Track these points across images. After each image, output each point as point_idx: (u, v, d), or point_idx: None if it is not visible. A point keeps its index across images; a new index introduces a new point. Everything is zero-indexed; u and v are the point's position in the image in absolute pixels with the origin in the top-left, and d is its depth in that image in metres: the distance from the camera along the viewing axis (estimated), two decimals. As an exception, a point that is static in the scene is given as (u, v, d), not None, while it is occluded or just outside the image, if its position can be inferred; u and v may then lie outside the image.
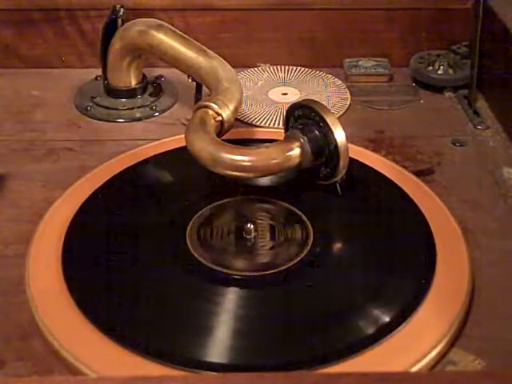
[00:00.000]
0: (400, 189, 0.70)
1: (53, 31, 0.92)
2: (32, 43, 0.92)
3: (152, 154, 0.75)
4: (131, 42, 0.82)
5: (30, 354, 0.56)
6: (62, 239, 0.64)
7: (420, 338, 0.56)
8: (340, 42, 0.93)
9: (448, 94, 0.89)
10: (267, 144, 0.67)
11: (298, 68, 0.94)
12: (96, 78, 0.90)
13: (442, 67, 0.89)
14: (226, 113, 0.70)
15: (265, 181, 0.71)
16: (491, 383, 0.45)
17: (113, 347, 0.54)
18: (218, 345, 0.55)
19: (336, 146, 0.66)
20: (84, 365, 0.53)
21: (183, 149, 0.68)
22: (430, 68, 0.89)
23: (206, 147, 0.65)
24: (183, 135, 0.68)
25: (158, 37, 0.80)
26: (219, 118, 0.69)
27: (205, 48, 0.78)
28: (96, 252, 0.64)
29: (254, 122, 0.83)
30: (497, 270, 0.63)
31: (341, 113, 0.85)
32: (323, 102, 0.69)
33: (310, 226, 0.66)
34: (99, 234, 0.66)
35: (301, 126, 0.67)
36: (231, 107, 0.70)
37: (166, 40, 0.79)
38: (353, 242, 0.65)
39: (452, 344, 0.56)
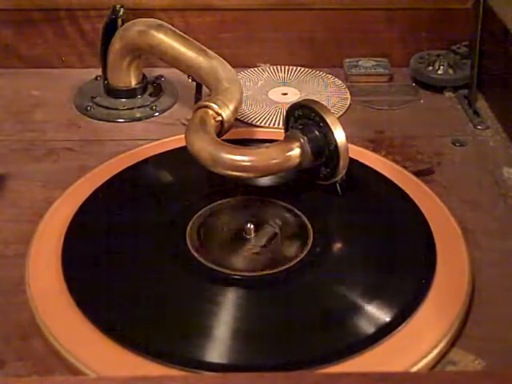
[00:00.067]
0: (400, 189, 0.70)
1: (53, 31, 0.92)
2: (32, 43, 0.92)
3: (152, 153, 0.75)
4: (131, 42, 0.82)
5: (30, 353, 0.56)
6: (62, 239, 0.64)
7: (420, 338, 0.56)
8: (340, 42, 0.93)
9: (448, 93, 0.89)
10: (267, 144, 0.67)
11: (298, 68, 0.94)
12: (96, 78, 0.90)
13: (442, 67, 0.89)
14: (226, 113, 0.70)
15: (265, 181, 0.71)
16: (491, 383, 0.45)
17: (113, 347, 0.54)
18: (218, 345, 0.55)
19: (336, 146, 0.66)
20: (84, 365, 0.53)
21: (183, 149, 0.68)
22: (430, 68, 0.89)
23: (206, 147, 0.65)
24: (183, 135, 0.68)
25: (157, 37, 0.80)
26: (219, 118, 0.69)
27: (205, 48, 0.78)
28: (96, 252, 0.64)
29: (254, 122, 0.83)
30: (497, 270, 0.63)
31: (341, 113, 0.85)
32: (323, 102, 0.69)
33: (309, 226, 0.66)
34: (99, 234, 0.66)
35: (301, 126, 0.67)
36: (231, 107, 0.70)
37: (166, 40, 0.79)
38: (353, 242, 0.65)
39: (452, 344, 0.56)
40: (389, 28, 0.93)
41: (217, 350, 0.55)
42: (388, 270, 0.62)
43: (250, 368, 0.53)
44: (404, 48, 0.93)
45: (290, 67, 0.94)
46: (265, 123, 0.83)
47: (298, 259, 0.63)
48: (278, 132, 0.75)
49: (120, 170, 0.73)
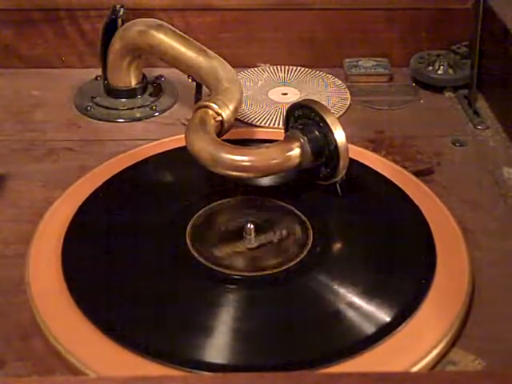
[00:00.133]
0: (400, 189, 0.70)
1: (53, 31, 0.92)
2: (32, 43, 0.92)
3: (152, 153, 0.75)
4: (131, 42, 0.82)
5: (30, 353, 0.56)
6: (62, 239, 0.64)
7: (420, 338, 0.56)
8: (340, 42, 0.93)
9: (448, 93, 0.89)
10: (267, 144, 0.67)
11: (298, 68, 0.94)
12: (96, 78, 0.90)
13: (442, 67, 0.89)
14: (226, 113, 0.70)
15: (265, 181, 0.71)
16: (491, 383, 0.45)
17: (113, 347, 0.54)
18: (218, 345, 0.55)
19: (336, 146, 0.66)
20: (84, 365, 0.53)
21: (183, 149, 0.68)
22: (430, 68, 0.89)
23: (206, 147, 0.65)
24: (183, 135, 0.68)
25: (158, 37, 0.80)
26: (219, 118, 0.69)
27: (205, 48, 0.78)
28: (96, 252, 0.64)
29: (254, 122, 0.83)
30: (497, 270, 0.63)
31: (341, 113, 0.85)
32: (323, 102, 0.69)
33: (309, 226, 0.66)
34: (99, 234, 0.66)
35: (301, 126, 0.67)
36: (231, 107, 0.70)
37: (166, 40, 0.79)
38: (353, 242, 0.65)
39: (452, 344, 0.56)
40: (389, 28, 0.93)
41: (217, 350, 0.55)
42: (388, 270, 0.62)
43: (250, 368, 0.53)
44: (404, 48, 0.93)
45: (290, 67, 0.94)
46: (265, 123, 0.83)
47: (298, 259, 0.63)
48: (278, 132, 0.75)
49: (120, 169, 0.73)
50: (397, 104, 0.87)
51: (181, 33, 0.80)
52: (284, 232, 0.66)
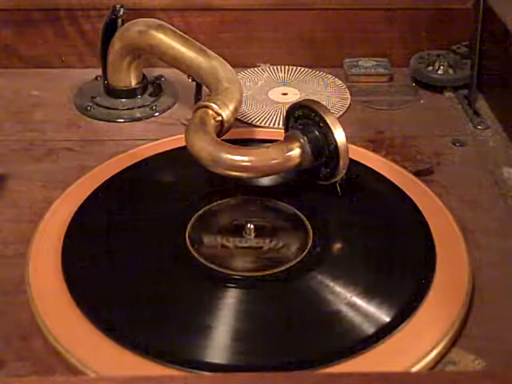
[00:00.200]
0: (400, 189, 0.70)
1: (53, 31, 0.92)
2: (32, 43, 0.92)
3: (152, 153, 0.75)
4: (131, 42, 0.82)
5: (30, 353, 0.56)
6: (62, 239, 0.64)
7: (420, 338, 0.56)
8: (340, 42, 0.93)
9: (448, 93, 0.89)
10: (267, 144, 0.67)
11: (298, 68, 0.94)
12: (96, 78, 0.90)
13: (441, 67, 0.89)
14: (226, 113, 0.70)
15: (265, 181, 0.71)
16: (491, 383, 0.45)
17: (113, 347, 0.54)
18: (218, 345, 0.55)
19: (336, 146, 0.66)
20: (84, 365, 0.53)
21: (183, 149, 0.68)
22: (430, 68, 0.89)
23: (205, 147, 0.65)
24: (183, 135, 0.68)
25: (158, 37, 0.80)
26: (219, 118, 0.69)
27: (205, 48, 0.78)
28: (96, 252, 0.64)
29: (254, 122, 0.83)
30: (497, 270, 0.63)
31: (341, 113, 0.85)
32: (323, 102, 0.69)
33: (309, 226, 0.66)
34: (99, 234, 0.66)
35: (301, 127, 0.67)
36: (231, 107, 0.70)
37: (165, 40, 0.79)
38: (353, 242, 0.65)
39: (452, 344, 0.56)
40: (389, 28, 0.93)
41: (217, 350, 0.55)
42: (388, 270, 0.62)
43: (250, 368, 0.53)
44: (404, 48, 0.93)
45: (290, 67, 0.94)
46: (265, 123, 0.83)
47: (298, 259, 0.63)
48: (278, 132, 0.75)
49: (120, 169, 0.73)
50: (397, 104, 0.87)
51: (181, 33, 0.80)
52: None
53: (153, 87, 0.88)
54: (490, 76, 0.86)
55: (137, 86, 0.86)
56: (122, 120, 0.84)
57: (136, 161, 0.74)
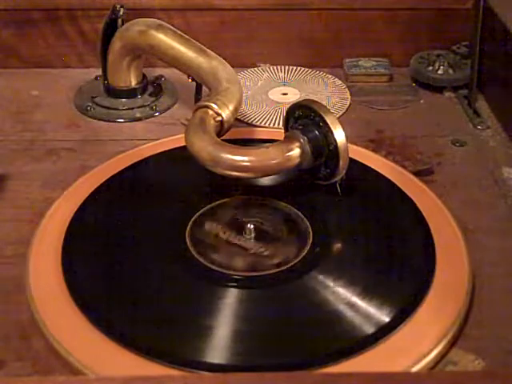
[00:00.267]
0: (400, 189, 0.70)
1: (53, 31, 0.92)
2: (32, 43, 0.92)
3: (152, 153, 0.75)
4: (131, 42, 0.82)
5: (30, 354, 0.56)
6: (62, 239, 0.64)
7: (420, 338, 0.56)
8: (340, 42, 0.93)
9: (448, 93, 0.89)
10: (267, 144, 0.67)
11: (298, 68, 0.94)
12: (96, 78, 0.90)
13: (441, 67, 0.89)
14: (226, 113, 0.70)
15: (265, 181, 0.71)
16: (491, 383, 0.45)
17: (113, 347, 0.54)
18: (218, 345, 0.55)
19: (336, 146, 0.66)
20: (84, 365, 0.53)
21: (183, 148, 0.68)
22: (430, 68, 0.89)
23: (205, 147, 0.65)
24: (183, 135, 0.68)
25: (158, 37, 0.80)
26: (219, 118, 0.69)
27: (205, 48, 0.78)
28: (96, 252, 0.64)
29: (254, 122, 0.83)
30: (497, 270, 0.63)
31: (341, 113, 0.85)
32: (323, 102, 0.69)
33: (309, 226, 0.66)
34: (99, 234, 0.66)
35: (301, 127, 0.67)
36: (231, 107, 0.70)
37: (165, 40, 0.79)
38: (352, 242, 0.65)
39: (452, 344, 0.56)
40: (389, 28, 0.93)
41: (217, 350, 0.55)
42: (388, 270, 0.62)
43: (250, 368, 0.53)
44: (404, 48, 0.93)
45: (290, 67, 0.94)
46: (265, 123, 0.83)
47: (298, 259, 0.63)
48: (278, 132, 0.75)
49: (120, 169, 0.73)
50: (397, 104, 0.87)
51: (181, 33, 0.80)
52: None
53: (153, 87, 0.88)
54: (490, 76, 0.86)
55: (137, 86, 0.86)
56: (122, 120, 0.84)
57: (136, 161, 0.74)
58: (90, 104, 0.86)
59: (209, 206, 0.68)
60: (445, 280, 0.60)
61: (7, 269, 0.63)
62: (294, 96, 0.88)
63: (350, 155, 0.67)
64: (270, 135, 0.77)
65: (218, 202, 0.69)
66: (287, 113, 0.70)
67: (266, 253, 0.64)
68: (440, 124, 0.83)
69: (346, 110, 0.86)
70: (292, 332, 0.57)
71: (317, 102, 0.68)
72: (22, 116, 0.84)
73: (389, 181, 0.71)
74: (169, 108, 0.86)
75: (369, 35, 0.93)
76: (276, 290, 0.61)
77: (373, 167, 0.73)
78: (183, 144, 0.68)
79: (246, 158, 0.64)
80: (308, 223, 0.66)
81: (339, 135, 0.66)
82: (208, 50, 0.78)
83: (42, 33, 0.92)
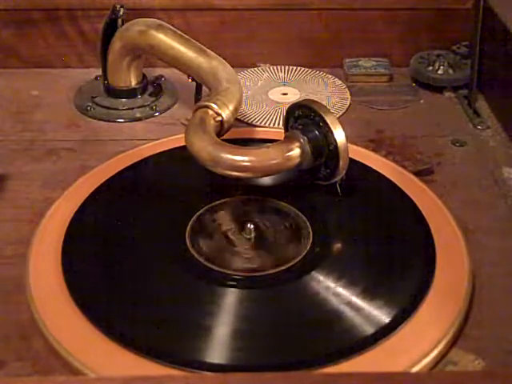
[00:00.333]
0: (400, 189, 0.70)
1: (53, 31, 0.92)
2: (32, 43, 0.92)
3: (152, 153, 0.75)
4: (131, 42, 0.82)
5: (30, 354, 0.56)
6: (62, 239, 0.64)
7: (420, 338, 0.56)
8: (340, 42, 0.93)
9: (448, 93, 0.89)
10: (267, 144, 0.67)
11: (298, 68, 0.94)
12: (96, 78, 0.90)
13: (441, 67, 0.89)
14: (226, 113, 0.70)
15: (265, 181, 0.71)
16: (491, 383, 0.45)
17: (113, 347, 0.54)
18: (218, 345, 0.55)
19: (336, 146, 0.66)
20: (84, 365, 0.53)
21: (183, 148, 0.68)
22: (430, 68, 0.89)
23: (205, 147, 0.65)
24: (183, 135, 0.68)
25: (158, 37, 0.80)
26: (219, 118, 0.69)
27: (205, 48, 0.78)
28: (96, 252, 0.64)
29: (254, 122, 0.83)
30: (497, 270, 0.63)
31: (341, 113, 0.85)
32: (323, 102, 0.69)
33: (309, 226, 0.66)
34: (99, 234, 0.66)
35: (301, 126, 0.67)
36: (231, 107, 0.70)
37: (165, 40, 0.79)
38: (352, 242, 0.65)
39: (452, 344, 0.56)
40: (389, 28, 0.93)
41: (217, 350, 0.55)
42: (388, 270, 0.62)
43: (250, 368, 0.53)
44: (404, 48, 0.93)
45: (290, 67, 0.94)
46: (265, 123, 0.83)
47: (298, 259, 0.63)
48: (278, 132, 0.75)
49: (120, 169, 0.73)
50: (397, 104, 0.87)
51: (181, 33, 0.80)
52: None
53: (153, 87, 0.88)
54: (490, 76, 0.86)
55: (137, 86, 0.86)
56: (122, 120, 0.84)
57: (136, 161, 0.74)
58: (90, 104, 0.86)
59: (209, 206, 0.68)
60: (445, 280, 0.60)
61: (7, 269, 0.63)
62: (294, 96, 0.88)
63: (350, 155, 0.67)
64: (270, 135, 0.77)
65: (217, 202, 0.69)
66: (287, 113, 0.70)
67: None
68: (440, 124, 0.83)
69: (346, 110, 0.86)
70: (292, 332, 0.57)
71: (317, 101, 0.68)
72: (22, 116, 0.84)
73: (389, 181, 0.71)
74: (169, 108, 0.86)
75: (369, 35, 0.93)
76: (276, 290, 0.61)
77: (373, 167, 0.73)
78: (183, 144, 0.68)
79: (246, 158, 0.64)
80: (308, 223, 0.66)
81: (339, 135, 0.66)
82: (208, 50, 0.78)
83: (42, 33, 0.92)
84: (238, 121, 0.82)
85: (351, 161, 0.67)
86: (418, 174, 0.73)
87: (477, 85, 0.85)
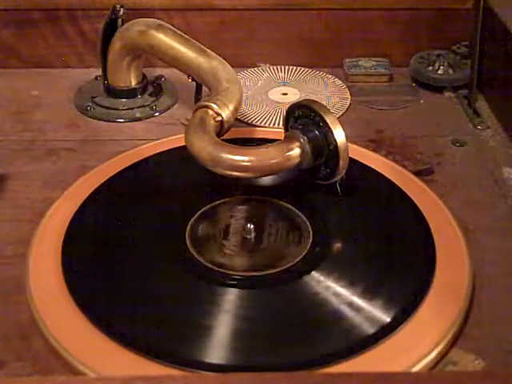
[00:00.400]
0: (400, 189, 0.70)
1: (53, 31, 0.92)
2: (32, 43, 0.92)
3: (152, 153, 0.75)
4: (131, 42, 0.82)
5: (30, 354, 0.56)
6: (62, 239, 0.64)
7: (420, 338, 0.56)
8: (340, 42, 0.93)
9: (448, 93, 0.89)
10: (267, 144, 0.67)
11: (298, 68, 0.94)
12: (96, 78, 0.90)
13: (442, 67, 0.89)
14: (226, 113, 0.70)
15: (265, 181, 0.71)
16: (491, 383, 0.45)
17: (113, 347, 0.54)
18: (218, 345, 0.55)
19: (336, 146, 0.66)
20: (84, 365, 0.53)
21: (183, 148, 0.68)
22: (430, 68, 0.89)
23: (205, 147, 0.65)
24: (183, 135, 0.68)
25: (158, 37, 0.80)
26: (219, 118, 0.69)
27: (205, 48, 0.78)
28: (96, 252, 0.64)
29: (254, 122, 0.83)
30: (497, 270, 0.63)
31: (341, 113, 0.85)
32: (323, 102, 0.69)
33: (309, 226, 0.66)
34: (99, 234, 0.66)
35: (301, 126, 0.67)
36: (231, 107, 0.70)
37: (165, 40, 0.79)
38: (352, 242, 0.65)
39: (452, 344, 0.56)
40: (389, 28, 0.93)
41: (217, 349, 0.55)
42: (388, 270, 0.62)
43: (250, 368, 0.53)
44: (404, 48, 0.93)
45: (290, 67, 0.94)
46: (265, 123, 0.83)
47: (298, 259, 0.63)
48: (278, 132, 0.75)
49: (120, 169, 0.73)
50: (397, 104, 0.87)
51: (181, 33, 0.80)
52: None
53: (153, 87, 0.88)
54: (490, 76, 0.86)
55: (137, 86, 0.86)
56: (122, 120, 0.84)
57: (136, 161, 0.74)
58: (90, 104, 0.86)
59: (209, 206, 0.68)
60: (445, 280, 0.60)
61: (7, 269, 0.63)
62: (294, 96, 0.88)
63: (350, 155, 0.67)
64: (270, 135, 0.77)
65: (217, 202, 0.69)
66: (287, 113, 0.70)
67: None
68: (440, 124, 0.83)
69: (346, 110, 0.86)
70: (292, 332, 0.57)
71: (317, 101, 0.68)
72: (22, 116, 0.84)
73: (389, 181, 0.71)
74: (169, 108, 0.86)
75: (369, 35, 0.93)
76: (276, 290, 0.61)
77: (373, 167, 0.73)
78: (183, 144, 0.68)
79: (246, 158, 0.64)
80: (308, 223, 0.66)
81: (339, 135, 0.66)
82: (208, 50, 0.78)
83: (42, 33, 0.92)
84: (238, 121, 0.82)
85: (351, 160, 0.67)
86: (418, 173, 0.73)
87: (477, 85, 0.85)
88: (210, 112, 0.69)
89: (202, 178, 0.70)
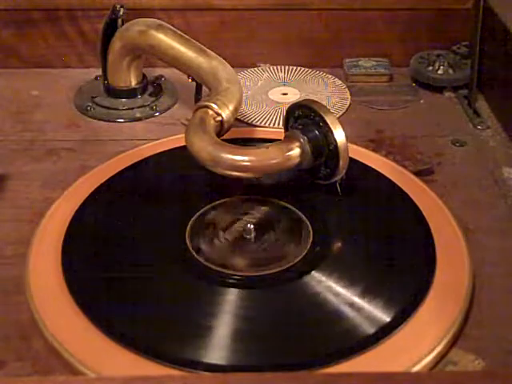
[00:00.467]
0: (400, 189, 0.70)
1: (53, 31, 0.92)
2: (32, 43, 0.92)
3: (152, 153, 0.75)
4: (131, 42, 0.82)
5: (30, 354, 0.56)
6: (62, 239, 0.64)
7: (420, 338, 0.56)
8: (340, 42, 0.93)
9: (448, 93, 0.89)
10: (267, 144, 0.67)
11: (298, 68, 0.94)
12: (96, 78, 0.90)
13: (441, 67, 0.89)
14: (226, 113, 0.70)
15: (265, 180, 0.71)
16: (491, 383, 0.45)
17: (113, 347, 0.54)
18: (218, 345, 0.55)
19: (336, 145, 0.66)
20: (84, 365, 0.53)
21: (183, 148, 0.68)
22: (430, 68, 0.89)
23: (205, 147, 0.65)
24: (183, 135, 0.68)
25: (158, 37, 0.80)
26: (219, 118, 0.69)
27: (205, 48, 0.78)
28: (96, 252, 0.64)
29: (254, 122, 0.83)
30: (497, 270, 0.63)
31: (341, 113, 0.85)
32: (323, 102, 0.69)
33: (310, 226, 0.66)
34: (99, 234, 0.66)
35: (300, 126, 0.67)
36: (231, 107, 0.70)
37: (166, 40, 0.79)
38: (353, 242, 0.65)
39: (452, 344, 0.56)
40: (389, 28, 0.93)
41: (217, 350, 0.55)
42: (388, 270, 0.62)
43: (250, 368, 0.53)
44: (404, 48, 0.93)
45: (290, 67, 0.94)
46: (265, 123, 0.83)
47: (298, 259, 0.63)
48: (278, 132, 0.75)
49: (120, 169, 0.73)
50: (397, 104, 0.87)
51: (181, 33, 0.80)
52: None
53: (153, 87, 0.88)
54: (490, 76, 0.86)
55: (137, 86, 0.86)
56: (122, 120, 0.84)
57: (136, 161, 0.74)
58: (90, 104, 0.86)
59: (209, 206, 0.68)
60: (445, 280, 0.60)
61: (7, 269, 0.63)
62: (294, 96, 0.88)
63: (350, 155, 0.67)
64: (270, 135, 0.77)
65: (217, 202, 0.69)
66: (287, 113, 0.70)
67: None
68: (440, 124, 0.83)
69: (346, 110, 0.86)
70: (292, 332, 0.57)
71: (317, 101, 0.68)
72: (22, 116, 0.84)
73: (389, 180, 0.71)
74: (169, 108, 0.86)
75: (369, 35, 0.93)
76: (276, 290, 0.61)
77: (373, 167, 0.73)
78: (183, 144, 0.68)
79: (246, 158, 0.64)
80: (308, 223, 0.66)
81: (339, 135, 0.66)
82: (208, 50, 0.78)
83: (42, 33, 0.92)
84: (238, 121, 0.82)
85: (351, 160, 0.67)
86: (418, 173, 0.73)
87: (477, 85, 0.85)
88: (210, 112, 0.69)
89: (202, 178, 0.70)
